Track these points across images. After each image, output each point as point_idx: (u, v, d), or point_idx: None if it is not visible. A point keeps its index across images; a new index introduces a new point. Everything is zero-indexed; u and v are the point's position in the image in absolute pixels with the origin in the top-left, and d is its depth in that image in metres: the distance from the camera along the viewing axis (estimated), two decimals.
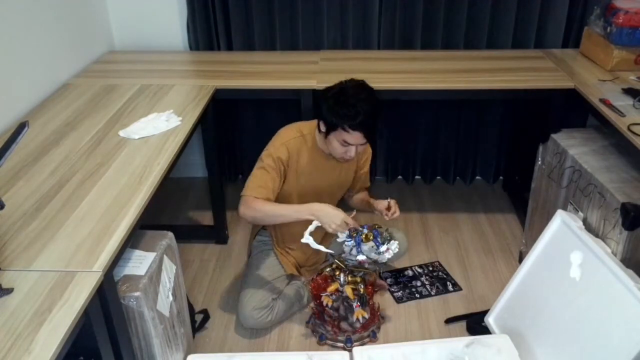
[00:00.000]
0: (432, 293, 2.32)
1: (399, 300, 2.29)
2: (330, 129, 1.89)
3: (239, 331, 2.15)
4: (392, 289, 2.34)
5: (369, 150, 2.21)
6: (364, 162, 2.21)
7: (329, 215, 1.83)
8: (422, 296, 2.31)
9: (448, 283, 2.37)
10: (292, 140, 2.00)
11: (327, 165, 2.07)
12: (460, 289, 2.35)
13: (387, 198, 2.06)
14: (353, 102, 1.84)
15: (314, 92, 2.32)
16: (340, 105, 1.84)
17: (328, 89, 1.94)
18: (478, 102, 2.89)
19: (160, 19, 2.77)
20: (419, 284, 2.37)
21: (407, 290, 2.34)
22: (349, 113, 1.83)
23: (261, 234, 2.24)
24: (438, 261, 2.51)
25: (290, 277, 2.24)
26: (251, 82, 2.36)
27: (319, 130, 1.97)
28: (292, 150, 1.99)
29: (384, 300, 2.29)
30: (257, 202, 1.88)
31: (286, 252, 2.23)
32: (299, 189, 2.04)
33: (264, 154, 1.99)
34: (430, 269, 2.46)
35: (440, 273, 2.44)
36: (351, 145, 1.90)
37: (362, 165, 2.21)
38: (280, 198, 2.00)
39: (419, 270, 2.45)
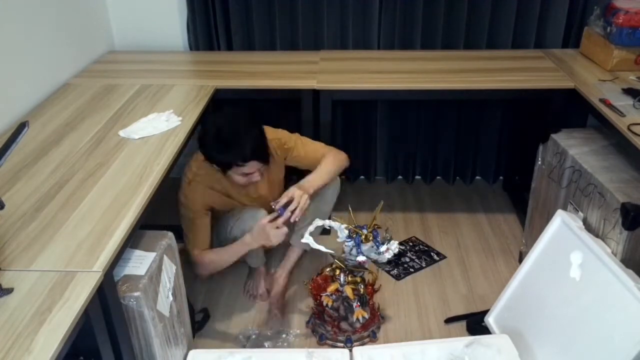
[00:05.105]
0: (423, 265, 2.45)
1: (397, 277, 2.38)
2: (226, 168, 1.89)
3: (239, 331, 2.15)
4: (387, 269, 2.42)
5: (290, 141, 2.09)
6: (292, 153, 2.11)
7: (264, 238, 1.87)
8: (415, 270, 2.43)
9: (432, 254, 2.52)
10: (193, 186, 1.99)
11: (246, 189, 2.05)
12: (445, 257, 2.50)
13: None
14: (234, 139, 1.81)
15: (314, 92, 2.33)
16: (224, 147, 1.82)
17: (203, 134, 1.87)
18: (478, 102, 2.89)
19: (160, 19, 2.77)
20: (407, 259, 2.49)
21: (401, 267, 2.44)
22: (235, 152, 1.82)
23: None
24: (414, 236, 2.64)
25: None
26: (251, 82, 2.36)
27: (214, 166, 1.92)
28: (201, 194, 1.99)
29: (384, 286, 2.29)
30: (204, 257, 1.98)
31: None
32: (237, 202, 2.04)
33: (181, 206, 2.02)
34: (411, 244, 2.59)
35: (421, 246, 2.58)
36: (252, 173, 1.89)
37: (292, 158, 2.12)
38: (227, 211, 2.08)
39: (402, 247, 2.54)
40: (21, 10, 2.08)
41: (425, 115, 2.93)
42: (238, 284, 2.35)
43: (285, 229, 1.89)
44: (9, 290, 1.20)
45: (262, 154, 1.88)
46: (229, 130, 1.84)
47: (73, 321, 1.12)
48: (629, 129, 1.83)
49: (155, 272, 1.60)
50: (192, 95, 2.21)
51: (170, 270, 1.72)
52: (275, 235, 1.87)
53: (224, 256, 2.00)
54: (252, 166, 1.87)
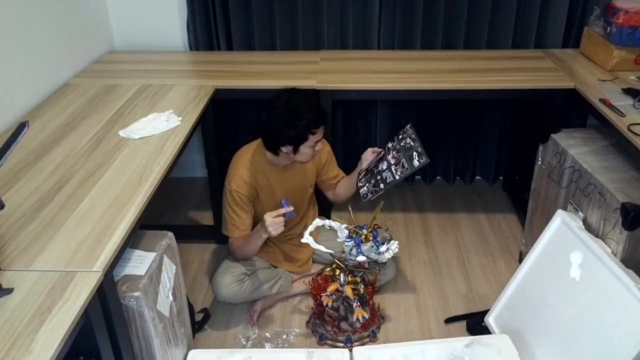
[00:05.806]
0: (397, 176, 1.94)
1: (364, 197, 2.07)
2: (300, 143, 1.94)
3: (239, 331, 2.15)
4: (360, 184, 2.12)
5: (327, 148, 2.20)
6: (327, 160, 2.21)
7: (264, 227, 1.90)
8: (385, 184, 1.98)
9: (414, 154, 1.91)
10: (245, 171, 2.04)
11: (283, 176, 2.12)
12: (428, 160, 1.88)
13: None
14: (302, 110, 1.89)
15: (315, 92, 2.33)
16: (298, 121, 1.89)
17: (271, 122, 1.92)
18: (478, 102, 2.88)
19: (160, 19, 2.77)
20: (385, 166, 2.00)
21: (373, 181, 2.03)
22: (309, 121, 1.90)
23: None
24: (409, 125, 2.03)
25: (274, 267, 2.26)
26: (251, 82, 2.36)
27: (275, 153, 2.00)
28: (250, 180, 2.04)
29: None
30: (235, 245, 2.08)
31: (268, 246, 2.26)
32: (266, 206, 2.06)
33: (226, 190, 2.05)
34: (400, 137, 2.02)
35: (407, 141, 1.97)
36: (319, 140, 1.99)
37: (326, 164, 2.21)
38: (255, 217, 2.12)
39: (389, 145, 2.05)
40: (21, 11, 2.08)
41: (426, 115, 2.93)
42: None
43: (281, 219, 1.90)
44: (9, 290, 1.20)
45: (325, 116, 2.00)
46: (293, 107, 1.90)
47: (73, 321, 1.12)
48: (629, 129, 1.83)
49: (155, 272, 1.60)
50: (192, 95, 2.21)
51: (170, 270, 1.72)
52: (271, 223, 1.88)
53: (247, 244, 2.05)
54: (321, 131, 1.96)
